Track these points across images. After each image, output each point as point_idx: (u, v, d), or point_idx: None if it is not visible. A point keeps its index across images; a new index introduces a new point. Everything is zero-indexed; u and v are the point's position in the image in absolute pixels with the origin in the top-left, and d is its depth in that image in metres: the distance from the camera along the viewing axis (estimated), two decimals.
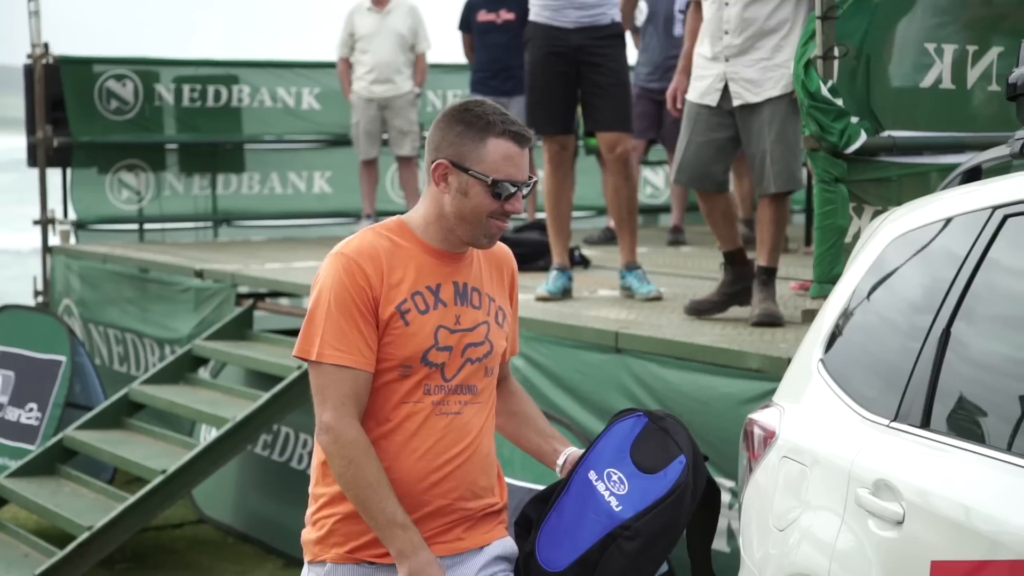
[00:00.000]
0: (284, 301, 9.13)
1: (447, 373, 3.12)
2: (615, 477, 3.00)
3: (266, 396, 7.38)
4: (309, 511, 3.24)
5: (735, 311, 6.25)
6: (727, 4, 5.93)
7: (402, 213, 9.12)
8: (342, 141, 11.50)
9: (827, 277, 5.05)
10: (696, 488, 3.14)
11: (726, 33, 5.93)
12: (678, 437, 3.07)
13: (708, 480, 3.19)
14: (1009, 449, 2.85)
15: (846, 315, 3.72)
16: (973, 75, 5.35)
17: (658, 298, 6.76)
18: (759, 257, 6.04)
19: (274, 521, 7.90)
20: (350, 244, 3.13)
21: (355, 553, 3.13)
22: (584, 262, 8.49)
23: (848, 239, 5.09)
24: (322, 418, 3.04)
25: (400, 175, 10.93)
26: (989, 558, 2.71)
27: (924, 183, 5.15)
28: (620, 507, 2.94)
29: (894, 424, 3.23)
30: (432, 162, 3.14)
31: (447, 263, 3.17)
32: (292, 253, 10.01)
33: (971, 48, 5.35)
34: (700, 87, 6.06)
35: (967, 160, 3.71)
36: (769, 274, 6.00)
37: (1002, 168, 3.72)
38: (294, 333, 8.78)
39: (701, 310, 6.10)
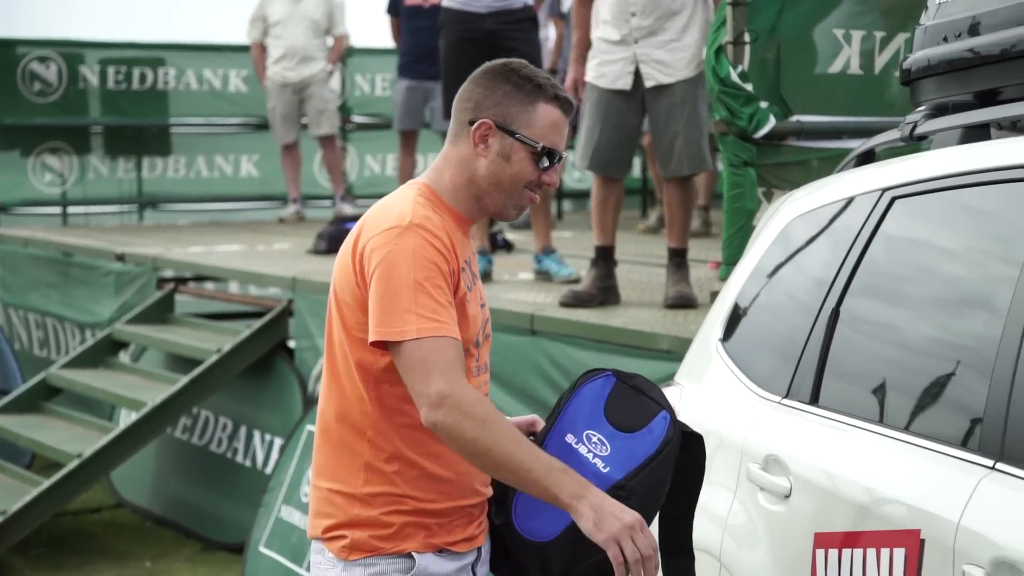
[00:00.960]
0: (210, 285, 9.10)
1: (479, 353, 2.94)
2: (595, 439, 2.85)
3: (185, 380, 7.36)
4: (358, 511, 2.81)
5: (652, 293, 6.31)
6: None
7: (329, 197, 8.94)
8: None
9: (735, 259, 5.09)
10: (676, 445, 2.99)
11: (633, 15, 5.94)
12: (653, 394, 2.93)
13: (691, 434, 3.00)
14: (889, 423, 2.92)
15: (745, 295, 3.77)
16: (881, 61, 5.43)
17: (576, 281, 6.81)
18: (670, 239, 6.08)
19: (193, 504, 7.89)
20: (415, 214, 2.77)
21: (433, 539, 2.84)
22: (507, 246, 8.52)
23: (756, 222, 5.15)
24: (432, 390, 2.68)
25: (323, 155, 10.92)
26: (865, 528, 2.78)
27: (832, 168, 5.21)
28: (608, 468, 2.79)
29: (785, 401, 3.29)
30: (471, 121, 2.85)
31: (468, 234, 2.95)
32: (216, 237, 9.97)
33: (879, 34, 5.43)
34: (609, 72, 6.03)
35: (861, 144, 3.77)
36: (681, 256, 6.05)
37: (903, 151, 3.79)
38: (217, 317, 8.82)
39: (579, 301, 6.07)
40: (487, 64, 2.91)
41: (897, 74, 5.48)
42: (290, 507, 6.39)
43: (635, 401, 2.87)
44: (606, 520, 2.64)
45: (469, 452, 2.70)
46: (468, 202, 2.88)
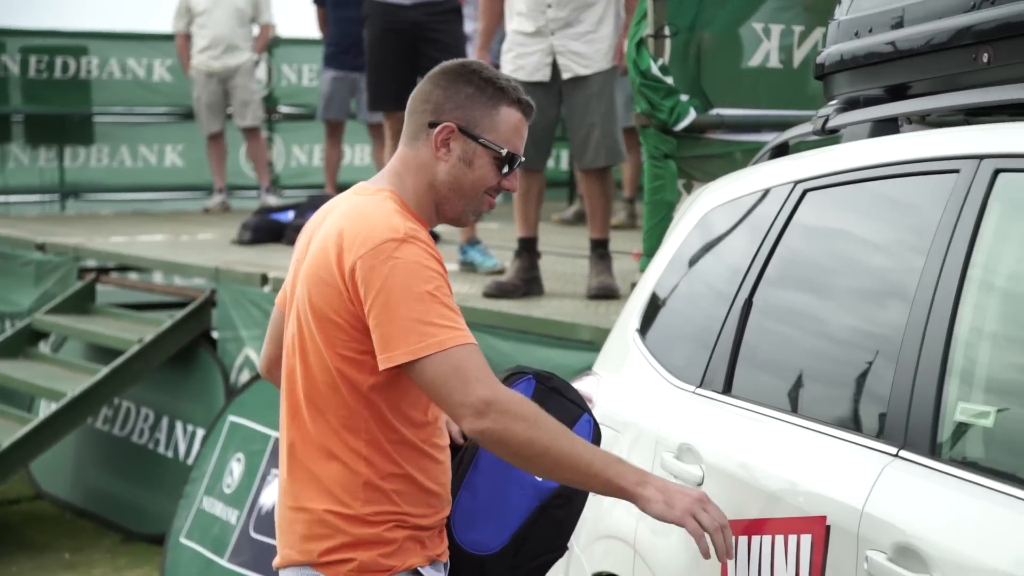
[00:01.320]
0: (133, 275, 9.04)
1: None
2: None
3: (105, 370, 7.31)
4: (361, 531, 2.72)
5: (575, 284, 6.34)
6: None
7: (255, 187, 8.68)
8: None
9: (656, 250, 5.13)
10: None
11: (549, 7, 5.96)
12: (571, 395, 2.93)
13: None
14: (798, 412, 2.97)
15: (663, 285, 3.81)
16: (800, 55, 5.49)
17: (500, 272, 6.83)
18: (591, 230, 6.12)
19: (113, 496, 7.83)
20: (405, 225, 2.68)
21: (427, 552, 2.79)
22: (434, 237, 8.53)
23: (676, 213, 5.20)
24: (473, 399, 2.57)
25: (247, 147, 10.87)
26: (774, 515, 2.82)
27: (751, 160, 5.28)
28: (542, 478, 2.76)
29: (699, 390, 3.33)
30: (432, 124, 2.76)
31: None
32: (139, 227, 9.90)
33: (798, 29, 5.50)
34: (527, 65, 6.02)
35: (775, 137, 3.82)
36: (603, 246, 6.08)
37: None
38: (139, 307, 8.73)
39: (503, 292, 6.09)
40: (444, 64, 2.82)
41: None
42: (212, 498, 6.37)
43: (557, 405, 2.85)
44: (675, 498, 2.61)
45: (522, 455, 2.60)
46: (428, 209, 2.79)
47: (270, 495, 5.96)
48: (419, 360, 2.59)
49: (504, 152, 2.78)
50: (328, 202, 2.91)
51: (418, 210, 2.78)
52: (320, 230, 2.80)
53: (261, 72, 11.52)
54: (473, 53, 6.64)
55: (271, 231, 8.56)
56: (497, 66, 6.28)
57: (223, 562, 6.07)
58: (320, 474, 2.72)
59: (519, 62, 6.03)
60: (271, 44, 11.58)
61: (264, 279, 7.11)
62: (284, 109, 12.15)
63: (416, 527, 2.74)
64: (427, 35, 6.83)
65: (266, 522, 5.90)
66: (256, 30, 10.60)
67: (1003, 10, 2.98)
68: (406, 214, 2.73)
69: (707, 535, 2.61)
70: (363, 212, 2.72)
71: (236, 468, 6.29)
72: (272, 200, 10.15)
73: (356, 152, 11.80)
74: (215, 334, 7.55)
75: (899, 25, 3.33)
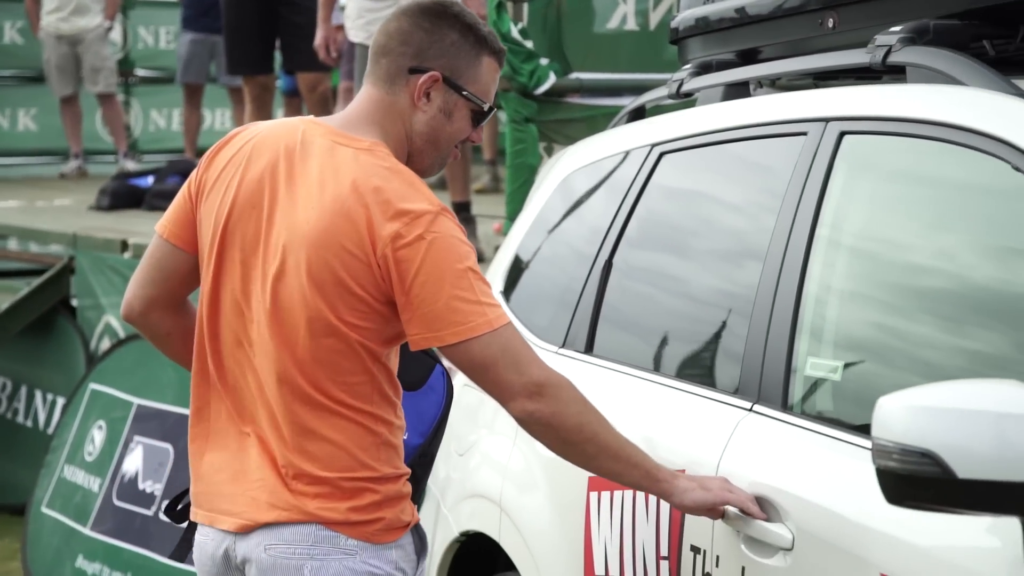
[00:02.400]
0: None
1: None
2: None
3: None
4: (388, 489, 2.62)
5: None
6: None
7: (113, 152, 8.39)
8: None
9: (518, 214, 5.21)
10: None
11: None
12: None
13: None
14: (658, 370, 3.05)
15: (525, 247, 3.87)
16: (656, 17, 5.59)
17: None
18: (452, 194, 6.15)
19: None
20: (433, 194, 2.57)
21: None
22: None
23: (538, 177, 5.27)
24: (526, 379, 2.51)
25: (103, 113, 10.68)
26: None
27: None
28: (406, 434, 2.69)
29: (562, 350, 3.40)
30: (413, 70, 2.59)
31: None
32: None
33: None
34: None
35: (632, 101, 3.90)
36: (465, 209, 6.12)
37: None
38: None
39: None
40: (421, 2, 2.63)
41: None
42: (73, 466, 6.30)
43: (411, 357, 2.75)
44: (708, 482, 2.61)
45: (571, 440, 2.56)
46: (403, 160, 2.62)
47: (133, 462, 5.91)
48: (468, 340, 2.49)
49: (487, 107, 2.64)
50: (265, 130, 2.65)
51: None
52: (310, 181, 2.55)
53: (116, 35, 11.31)
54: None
55: (130, 197, 8.45)
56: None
57: (86, 531, 6.01)
58: (335, 438, 2.56)
59: (370, 28, 6.00)
60: (126, 6, 11.38)
61: (124, 245, 7.03)
62: (141, 72, 11.95)
63: (408, 480, 2.68)
64: None
65: (129, 489, 5.86)
66: None
67: None
68: None
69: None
70: (385, 177, 2.53)
71: (98, 436, 6.23)
72: (131, 165, 10.00)
73: (216, 116, 11.66)
74: (74, 302, 7.45)
75: None
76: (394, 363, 2.65)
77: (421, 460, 2.80)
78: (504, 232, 5.37)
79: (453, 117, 2.62)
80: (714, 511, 2.61)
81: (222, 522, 2.63)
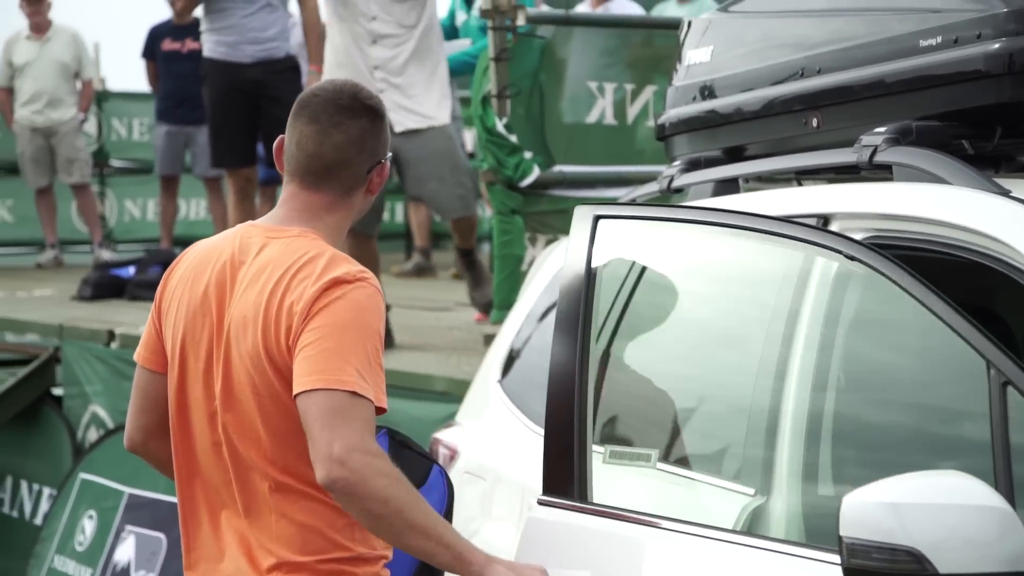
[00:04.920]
0: None
1: None
2: None
3: None
4: (365, 570, 2.66)
5: (425, 336, 6.52)
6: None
7: (88, 242, 8.29)
8: None
9: (506, 303, 5.36)
10: None
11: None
12: (418, 448, 2.95)
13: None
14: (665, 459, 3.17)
15: (521, 337, 4.00)
16: (633, 111, 5.78)
17: None
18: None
19: None
20: (365, 270, 2.68)
21: None
22: None
23: (524, 267, 5.42)
24: (340, 444, 2.49)
25: (77, 203, 10.78)
26: None
27: None
28: None
29: None
30: (372, 167, 2.74)
31: None
32: None
33: (629, 87, 5.79)
34: None
35: (625, 194, 4.05)
36: (471, 254, 6.17)
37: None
38: None
39: None
40: (336, 101, 2.71)
41: (649, 124, 5.86)
42: (64, 556, 6.35)
43: (408, 458, 2.84)
44: (523, 570, 2.62)
45: (375, 512, 2.52)
46: (340, 239, 2.77)
47: (125, 551, 5.98)
48: (319, 391, 2.53)
49: (388, 157, 2.81)
50: (207, 245, 2.79)
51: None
52: (248, 276, 2.68)
53: (91, 126, 11.44)
54: None
55: (112, 287, 8.55)
56: None
57: None
58: (305, 521, 2.63)
59: None
60: (100, 98, 11.52)
61: (111, 335, 7.11)
62: (116, 163, 12.07)
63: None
64: (268, 92, 6.96)
65: None
66: (79, 85, 10.53)
67: (829, 79, 3.26)
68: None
69: None
70: (312, 256, 2.66)
71: (88, 525, 6.29)
72: (106, 255, 10.09)
73: (192, 206, 11.78)
74: (58, 391, 7.51)
75: (728, 91, 3.59)
76: None
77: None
78: (493, 320, 5.51)
79: (382, 177, 2.78)
80: None
81: None
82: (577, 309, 2.93)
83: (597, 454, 2.92)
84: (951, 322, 2.36)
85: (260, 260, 2.68)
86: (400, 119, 5.94)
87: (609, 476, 2.95)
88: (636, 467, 2.95)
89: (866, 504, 2.14)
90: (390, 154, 2.83)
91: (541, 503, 2.90)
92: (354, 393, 2.53)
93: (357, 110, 2.72)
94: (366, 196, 2.77)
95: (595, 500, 2.87)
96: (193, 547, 2.76)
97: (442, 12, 6.63)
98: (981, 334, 2.33)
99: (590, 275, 2.81)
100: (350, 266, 2.64)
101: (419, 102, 5.95)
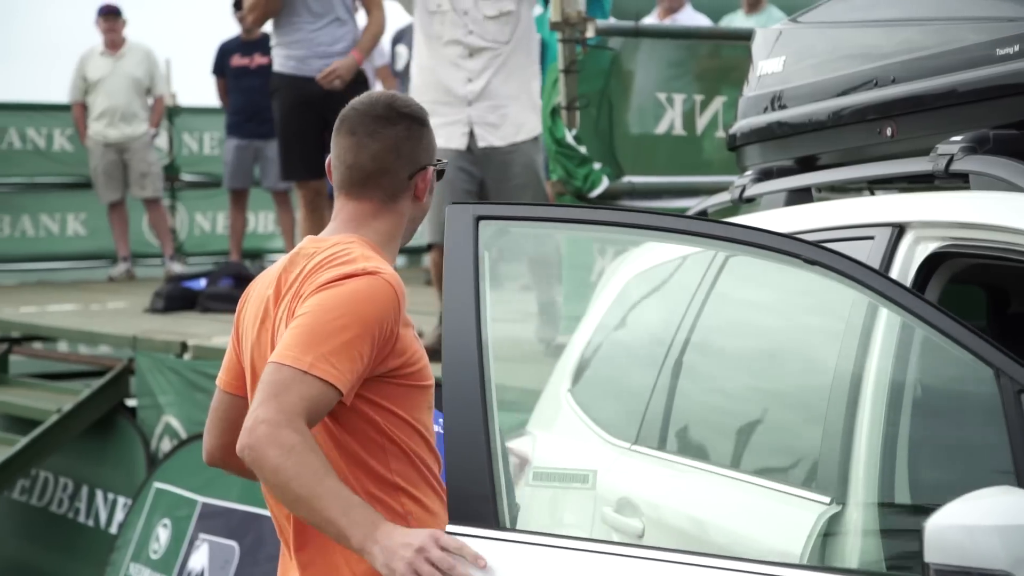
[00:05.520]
0: (38, 345, 9.04)
1: None
2: None
3: (24, 441, 7.33)
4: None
5: (495, 346, 6.53)
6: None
7: (159, 255, 8.44)
8: None
9: (575, 313, 5.38)
10: None
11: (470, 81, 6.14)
12: None
13: None
14: (728, 465, 3.19)
15: (591, 347, 4.02)
16: (702, 123, 5.79)
17: (419, 335, 6.98)
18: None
19: (34, 566, 7.82)
20: (384, 266, 2.70)
21: None
22: None
23: (593, 277, 5.44)
24: (256, 415, 2.49)
25: (149, 217, 10.93)
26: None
27: None
28: None
29: (635, 447, 3.53)
30: (415, 173, 2.78)
31: None
32: (46, 296, 9.90)
33: (698, 98, 5.80)
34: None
35: (696, 204, 4.07)
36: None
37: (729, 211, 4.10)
38: (51, 376, 8.71)
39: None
40: (371, 112, 2.76)
41: (717, 135, 5.87)
42: (139, 564, 6.44)
43: None
44: (395, 555, 2.46)
45: (269, 481, 2.51)
46: (394, 249, 2.82)
47: (199, 559, 6.05)
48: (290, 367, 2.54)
49: (439, 163, 2.85)
50: (269, 268, 2.85)
51: (388, 254, 2.78)
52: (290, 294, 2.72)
53: (162, 141, 11.59)
54: None
55: (184, 299, 8.65)
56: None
57: None
58: None
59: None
60: (171, 113, 11.67)
61: (184, 347, 7.21)
62: (186, 177, 12.23)
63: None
64: (336, 106, 6.97)
65: None
66: (151, 100, 10.68)
67: (904, 88, 3.26)
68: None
69: None
70: (331, 251, 2.71)
71: (163, 534, 6.37)
72: (177, 268, 10.21)
73: (260, 219, 11.91)
74: (131, 402, 7.61)
75: (800, 101, 3.60)
76: (412, 441, 2.71)
77: None
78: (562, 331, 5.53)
79: (431, 190, 2.84)
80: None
81: None
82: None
83: None
84: (955, 334, 2.36)
85: (305, 271, 2.71)
86: (483, 134, 5.83)
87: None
88: None
89: (950, 527, 2.15)
90: (440, 160, 2.85)
91: None
92: (304, 372, 2.51)
93: (392, 118, 2.76)
94: (415, 202, 2.81)
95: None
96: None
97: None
98: (991, 345, 2.32)
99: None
100: (367, 263, 2.65)
101: (507, 118, 5.93)
